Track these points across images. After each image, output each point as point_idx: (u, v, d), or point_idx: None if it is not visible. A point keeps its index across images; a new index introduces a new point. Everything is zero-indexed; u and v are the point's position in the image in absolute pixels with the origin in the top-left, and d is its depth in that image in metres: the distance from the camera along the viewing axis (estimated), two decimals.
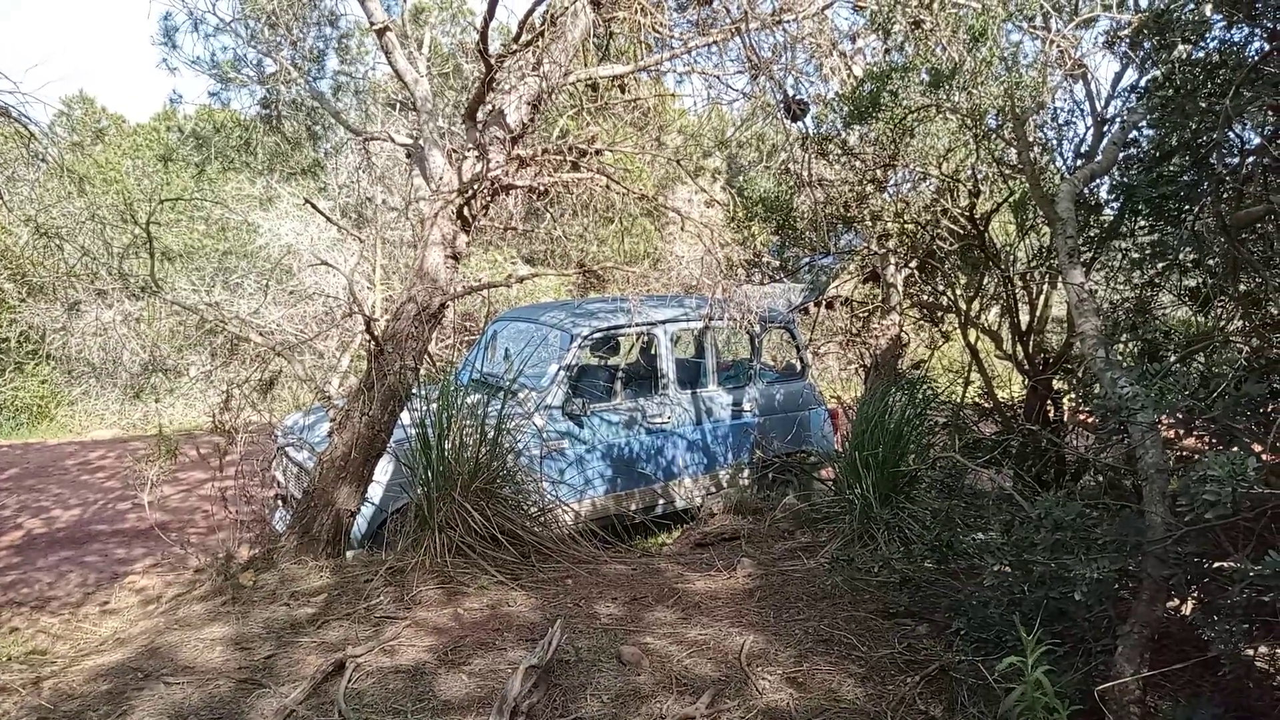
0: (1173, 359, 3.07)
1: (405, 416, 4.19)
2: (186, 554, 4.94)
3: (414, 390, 4.18)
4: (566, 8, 4.24)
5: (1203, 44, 3.05)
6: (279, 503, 5.17)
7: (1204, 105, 2.91)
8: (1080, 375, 4.20)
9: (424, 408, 4.14)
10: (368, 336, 4.10)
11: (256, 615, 3.35)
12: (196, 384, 10.25)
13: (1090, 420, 4.07)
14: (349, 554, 4.12)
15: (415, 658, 3.02)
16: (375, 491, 4.36)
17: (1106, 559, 2.37)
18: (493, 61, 4.05)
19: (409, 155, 4.75)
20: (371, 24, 4.40)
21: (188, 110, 17.05)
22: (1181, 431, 2.61)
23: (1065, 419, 4.73)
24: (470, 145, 4.27)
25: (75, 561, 5.33)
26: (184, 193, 12.86)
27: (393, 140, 4.85)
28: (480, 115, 4.26)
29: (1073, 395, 4.54)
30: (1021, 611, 2.65)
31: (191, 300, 9.77)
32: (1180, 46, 3.03)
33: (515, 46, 4.27)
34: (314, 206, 5.14)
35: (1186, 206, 3.13)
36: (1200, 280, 3.39)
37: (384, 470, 4.38)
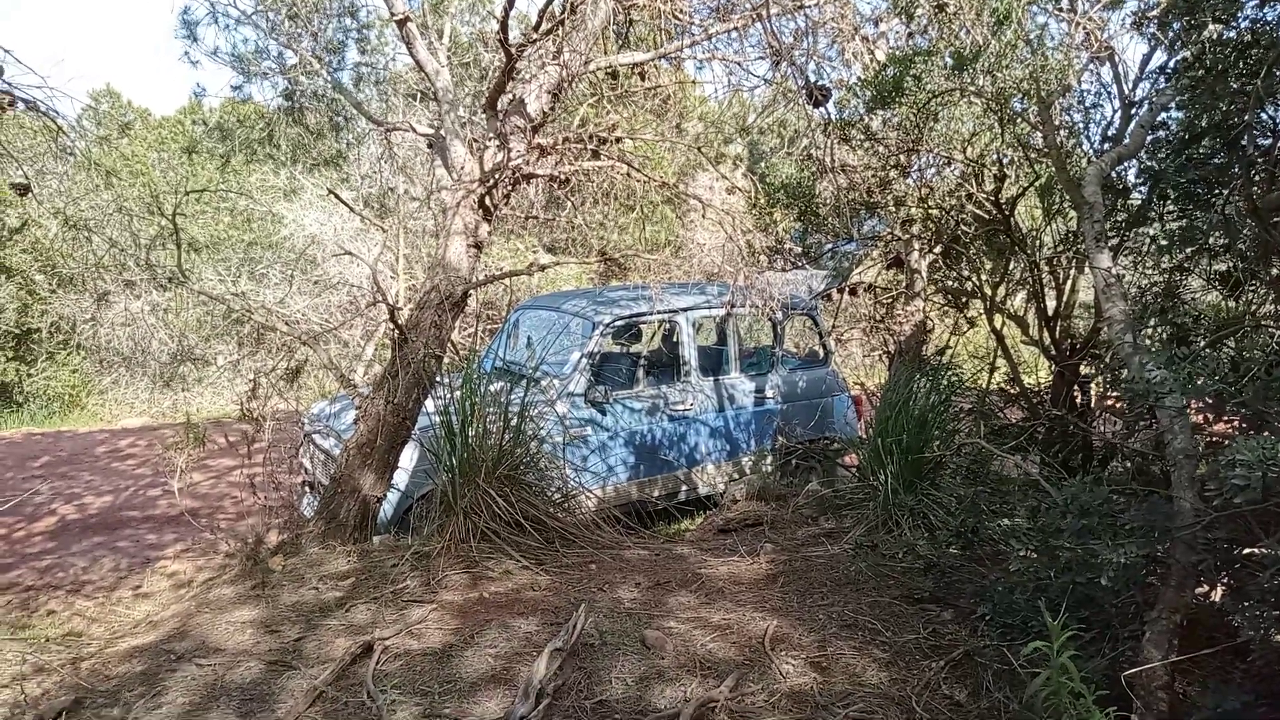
0: (1202, 344, 3.04)
1: (430, 404, 4.23)
2: (216, 539, 5.03)
3: (438, 378, 4.21)
4: None
5: (1234, 23, 3.00)
6: (306, 489, 5.24)
7: (1235, 86, 2.87)
8: (1108, 360, 4.17)
9: (448, 395, 4.18)
10: (391, 325, 4.13)
11: (285, 599, 3.41)
12: (224, 372, 10.42)
13: (1118, 405, 4.04)
14: (375, 539, 4.18)
15: (441, 640, 3.07)
16: (401, 478, 4.41)
17: (1134, 544, 2.36)
18: (513, 51, 4.05)
19: (430, 145, 4.77)
20: (392, 15, 4.41)
21: (212, 103, 17.25)
22: (1211, 416, 2.58)
23: (1092, 404, 4.70)
24: (491, 135, 4.28)
25: (108, 547, 5.44)
26: (209, 184, 13.00)
27: (414, 130, 4.87)
28: (501, 105, 4.27)
29: (1100, 380, 4.50)
30: (1048, 597, 2.64)
31: (218, 290, 9.91)
32: (1210, 26, 2.98)
33: (535, 35, 4.27)
34: (337, 197, 5.17)
35: (1216, 189, 3.09)
36: (1230, 264, 3.34)
37: (409, 457, 4.42)
